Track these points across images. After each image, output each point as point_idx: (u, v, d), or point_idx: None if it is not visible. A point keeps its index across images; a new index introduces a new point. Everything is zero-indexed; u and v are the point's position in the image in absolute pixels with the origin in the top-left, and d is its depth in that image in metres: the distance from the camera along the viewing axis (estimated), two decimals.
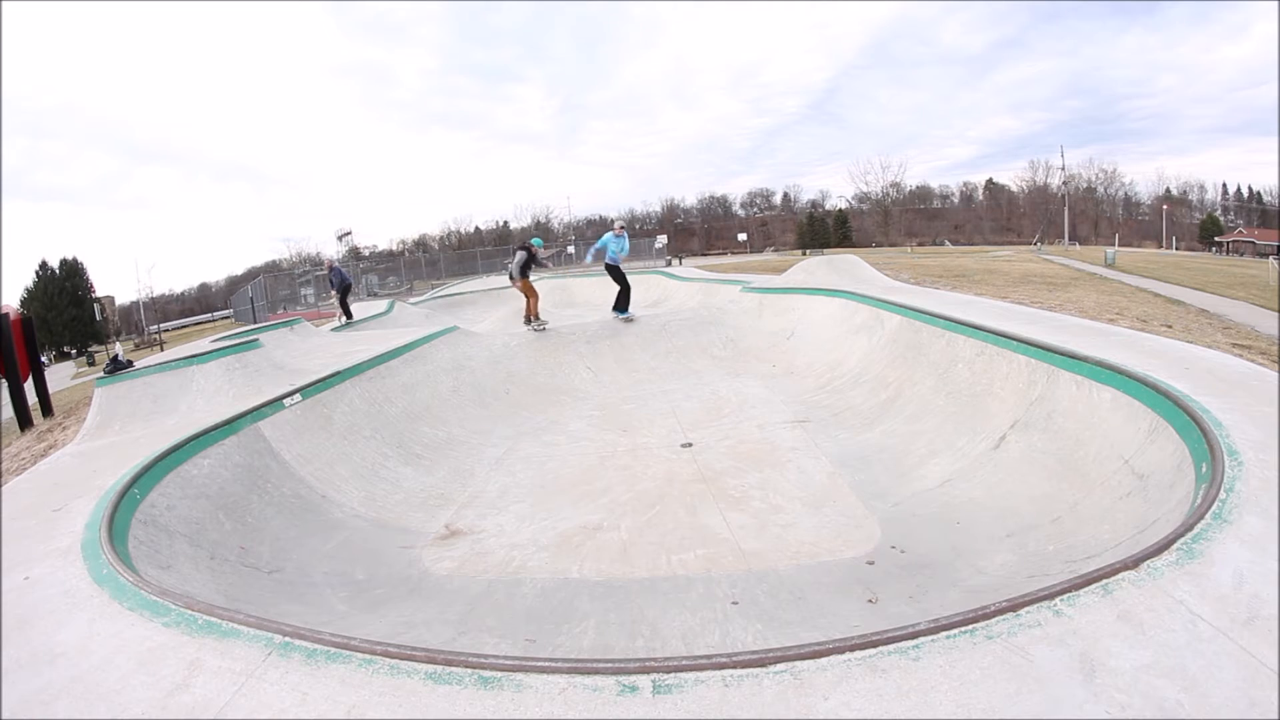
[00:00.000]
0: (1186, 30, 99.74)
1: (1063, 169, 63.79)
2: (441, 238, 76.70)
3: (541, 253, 10.69)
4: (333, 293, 14.83)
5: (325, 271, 16.30)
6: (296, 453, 5.05)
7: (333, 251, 60.41)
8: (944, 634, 1.80)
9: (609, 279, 11.15)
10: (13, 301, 46.61)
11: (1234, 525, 2.16)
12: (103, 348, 38.68)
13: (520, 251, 10.34)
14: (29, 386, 7.85)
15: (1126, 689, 1.56)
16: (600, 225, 77.69)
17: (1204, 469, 2.66)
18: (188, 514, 3.73)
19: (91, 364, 31.02)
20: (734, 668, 1.75)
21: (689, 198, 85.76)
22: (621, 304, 10.81)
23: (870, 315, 7.99)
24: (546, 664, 1.84)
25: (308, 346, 9.28)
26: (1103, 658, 1.66)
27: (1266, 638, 1.66)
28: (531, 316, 10.51)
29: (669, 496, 4.69)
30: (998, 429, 4.63)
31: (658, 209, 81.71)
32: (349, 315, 14.11)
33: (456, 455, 6.12)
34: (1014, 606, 1.86)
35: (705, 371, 9.00)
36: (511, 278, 10.42)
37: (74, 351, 45.77)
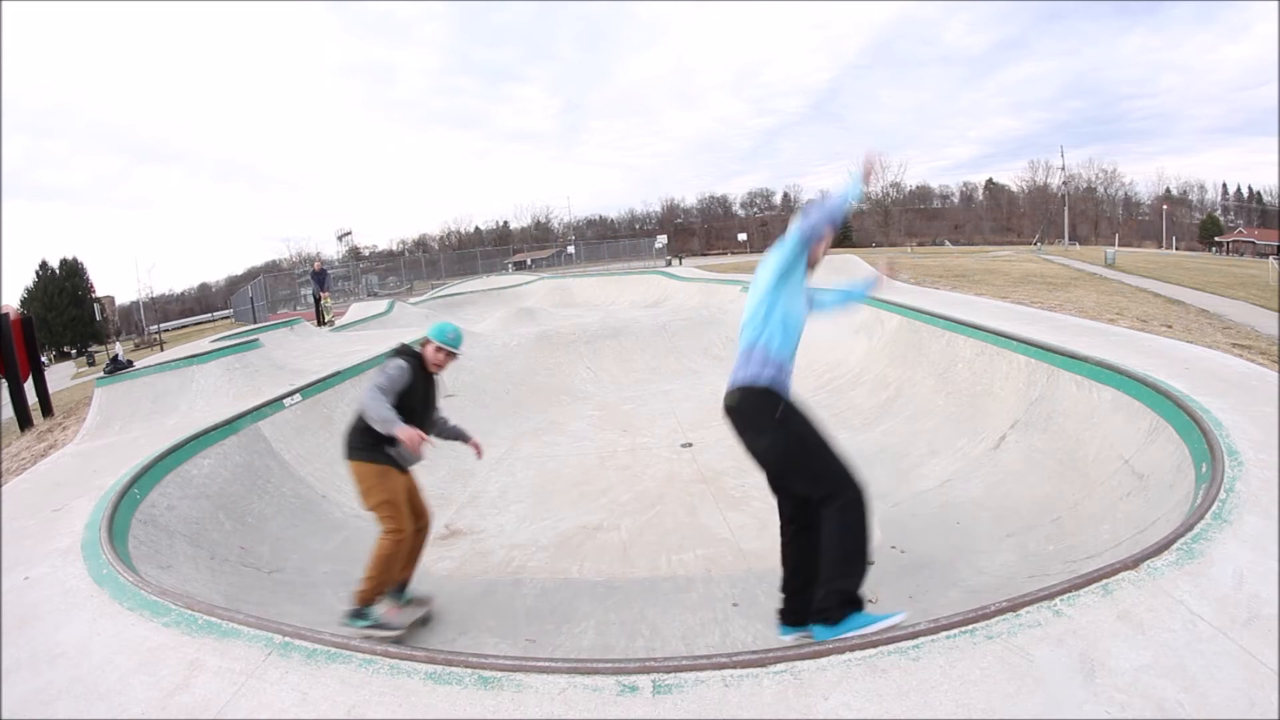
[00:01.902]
0: (1188, 30, 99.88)
1: (1063, 169, 63.78)
2: (441, 238, 76.55)
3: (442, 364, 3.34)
4: (324, 294, 15.22)
5: (315, 269, 16.72)
6: (296, 453, 5.05)
7: (332, 251, 60.48)
8: (944, 634, 1.80)
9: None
10: (13, 301, 46.63)
11: (1234, 525, 2.16)
12: (103, 348, 38.63)
13: (398, 366, 3.12)
14: (29, 386, 7.84)
15: (1126, 689, 1.56)
16: (601, 225, 77.54)
17: (1204, 469, 2.66)
18: (188, 514, 3.73)
19: (91, 364, 30.99)
20: (734, 668, 1.75)
21: (689, 198, 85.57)
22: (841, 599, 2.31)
23: (870, 315, 7.99)
24: (546, 664, 1.84)
25: (308, 346, 9.28)
26: (1103, 658, 1.66)
27: (1266, 638, 1.66)
28: (370, 596, 3.06)
29: (669, 496, 4.69)
30: (998, 429, 4.63)
31: (658, 209, 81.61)
32: (320, 319, 14.31)
33: (456, 455, 6.11)
34: (1014, 606, 1.86)
35: (705, 371, 9.00)
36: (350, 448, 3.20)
37: (74, 351, 45.75)
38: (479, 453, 3.52)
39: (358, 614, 3.03)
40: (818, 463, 2.40)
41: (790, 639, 2.57)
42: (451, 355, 3.31)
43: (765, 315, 2.61)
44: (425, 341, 3.30)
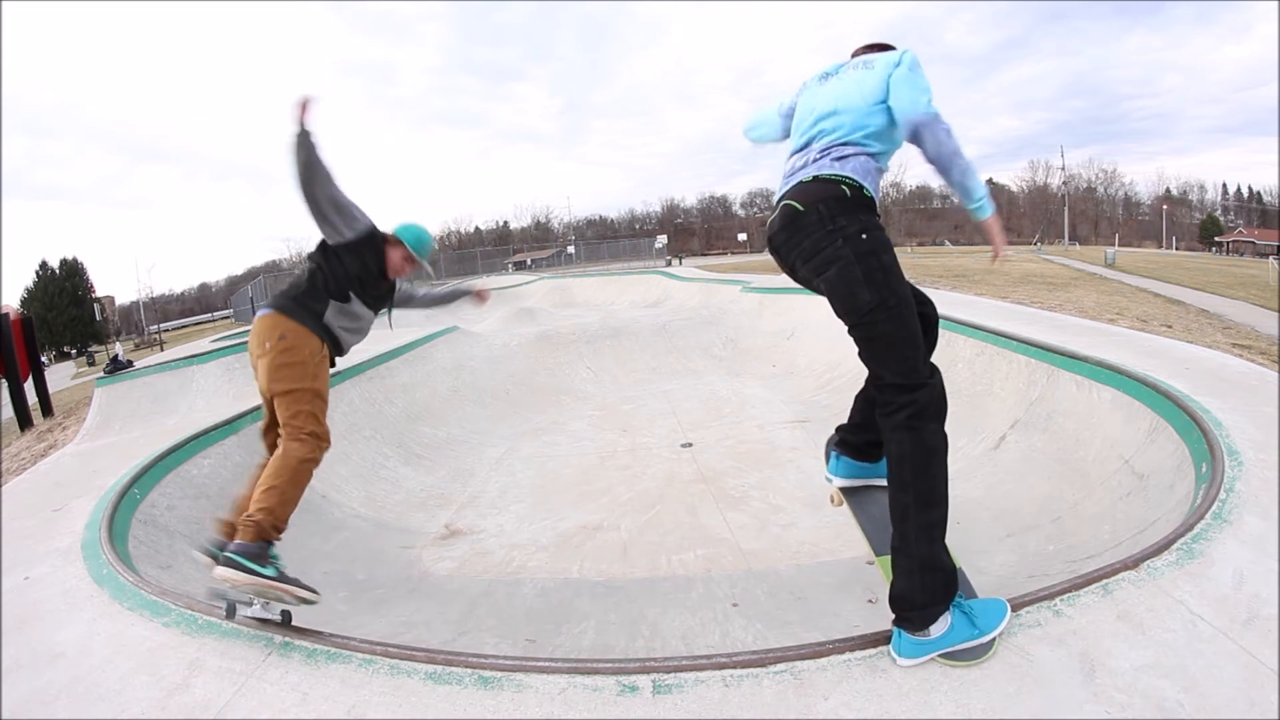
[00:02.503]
0: (1189, 30, 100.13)
1: (1063, 169, 63.90)
2: (441, 237, 76.62)
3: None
4: None
5: None
6: None
7: None
8: None
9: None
10: (13, 301, 46.68)
11: (1234, 525, 2.16)
12: (103, 348, 38.65)
13: (369, 225, 2.65)
14: (29, 386, 7.85)
15: (1126, 689, 1.56)
16: (601, 225, 77.48)
17: (1204, 469, 2.66)
18: (188, 514, 3.73)
19: (91, 364, 31.01)
20: (734, 668, 1.75)
21: (689, 198, 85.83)
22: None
23: None
24: (546, 664, 1.84)
25: None
26: (1103, 658, 1.66)
27: (1266, 638, 1.66)
28: (273, 528, 2.43)
29: (669, 496, 4.68)
30: (998, 429, 4.62)
31: (658, 209, 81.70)
32: None
33: (456, 455, 6.11)
34: (1014, 606, 1.86)
35: (705, 371, 9.00)
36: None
37: (74, 351, 45.79)
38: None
39: (257, 555, 2.17)
40: (903, 325, 1.72)
41: (840, 479, 2.11)
42: (416, 265, 2.84)
43: (870, 108, 1.77)
44: (396, 242, 2.73)
